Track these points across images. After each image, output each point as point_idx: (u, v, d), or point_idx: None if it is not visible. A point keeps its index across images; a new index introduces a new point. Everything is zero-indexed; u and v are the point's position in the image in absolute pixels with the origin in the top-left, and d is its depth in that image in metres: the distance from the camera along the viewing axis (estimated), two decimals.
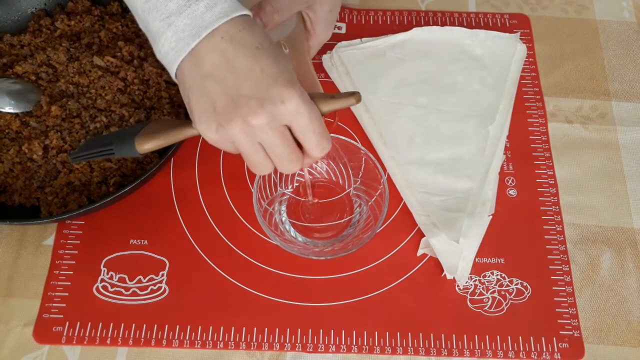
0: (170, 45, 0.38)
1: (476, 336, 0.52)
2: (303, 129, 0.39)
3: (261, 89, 0.37)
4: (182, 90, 0.40)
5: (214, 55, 0.38)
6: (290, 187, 0.58)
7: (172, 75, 0.40)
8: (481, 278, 0.54)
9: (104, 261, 0.55)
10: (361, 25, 0.69)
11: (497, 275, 0.55)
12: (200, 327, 0.52)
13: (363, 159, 0.54)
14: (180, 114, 0.59)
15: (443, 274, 0.54)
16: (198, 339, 0.52)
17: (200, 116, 0.39)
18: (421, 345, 0.52)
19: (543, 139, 0.62)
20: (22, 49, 0.61)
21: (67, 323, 0.52)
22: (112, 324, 0.52)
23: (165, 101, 0.58)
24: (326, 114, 0.41)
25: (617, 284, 0.55)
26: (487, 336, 0.52)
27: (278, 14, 0.50)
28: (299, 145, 0.41)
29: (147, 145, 0.42)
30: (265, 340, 0.52)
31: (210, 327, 0.52)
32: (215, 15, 0.37)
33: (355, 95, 0.41)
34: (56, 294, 0.53)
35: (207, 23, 0.37)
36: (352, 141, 0.54)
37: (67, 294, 0.53)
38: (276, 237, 0.51)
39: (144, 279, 0.54)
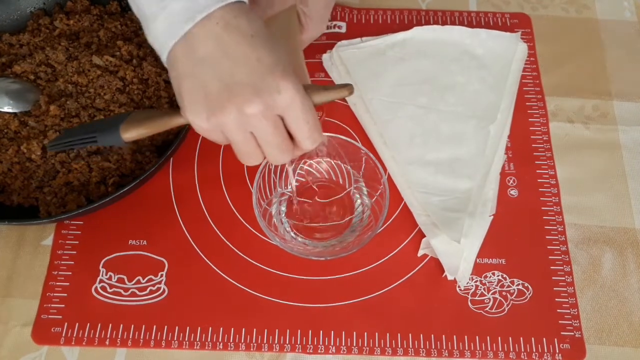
0: (163, 28, 0.38)
1: (477, 337, 0.52)
2: (296, 119, 0.39)
3: (257, 77, 0.37)
4: (172, 76, 0.40)
5: (209, 41, 0.37)
6: (290, 187, 0.57)
7: (163, 59, 0.39)
8: (482, 279, 0.54)
9: (102, 262, 0.54)
10: (361, 25, 0.68)
11: (498, 276, 0.54)
12: (199, 328, 0.52)
13: (363, 158, 0.54)
14: None
15: (444, 275, 0.54)
16: (197, 339, 0.51)
17: (191, 103, 0.38)
18: (422, 347, 0.51)
19: (544, 138, 0.62)
20: (21, 48, 0.61)
21: (66, 324, 0.52)
22: (111, 324, 0.52)
23: (165, 100, 0.58)
24: (318, 105, 0.41)
25: (618, 285, 0.54)
26: (488, 337, 0.52)
27: (271, 8, 0.50)
28: (290, 137, 0.40)
29: (131, 134, 0.42)
30: (265, 341, 0.51)
31: (210, 328, 0.52)
32: None
33: (347, 87, 0.41)
34: (55, 294, 0.53)
35: (202, 7, 0.37)
36: (352, 141, 0.54)
37: (65, 294, 0.53)
38: (276, 237, 0.51)
39: (143, 279, 0.54)
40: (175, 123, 0.42)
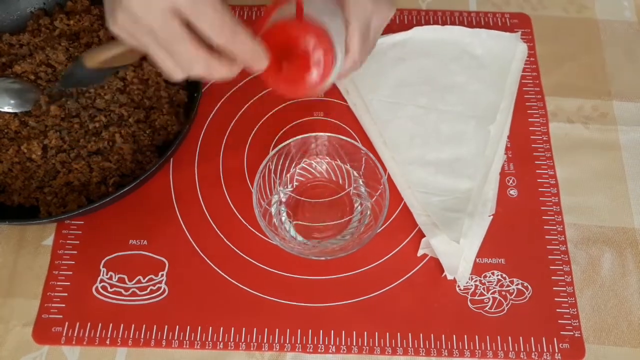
0: None
1: (476, 337, 0.52)
2: (192, 13, 0.36)
3: None
4: None
5: None
6: (290, 187, 0.57)
7: None
8: (482, 278, 0.54)
9: (103, 261, 0.55)
10: None
11: (497, 276, 0.54)
12: (200, 327, 0.52)
13: (363, 159, 0.54)
14: (180, 114, 0.59)
15: (443, 275, 0.54)
16: (198, 339, 0.51)
17: (106, 15, 0.39)
18: (421, 346, 0.51)
19: (544, 138, 0.62)
20: (21, 48, 0.61)
21: (67, 323, 0.52)
22: (111, 324, 0.52)
23: (165, 100, 0.58)
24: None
25: (617, 284, 0.54)
26: (487, 337, 0.52)
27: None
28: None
29: (91, 56, 0.46)
30: (265, 341, 0.51)
31: (210, 328, 0.52)
32: None
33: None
34: (55, 294, 0.53)
35: None
36: (352, 141, 0.54)
37: (66, 294, 0.53)
38: (276, 237, 0.51)
39: (144, 279, 0.54)
40: (122, 46, 0.44)
